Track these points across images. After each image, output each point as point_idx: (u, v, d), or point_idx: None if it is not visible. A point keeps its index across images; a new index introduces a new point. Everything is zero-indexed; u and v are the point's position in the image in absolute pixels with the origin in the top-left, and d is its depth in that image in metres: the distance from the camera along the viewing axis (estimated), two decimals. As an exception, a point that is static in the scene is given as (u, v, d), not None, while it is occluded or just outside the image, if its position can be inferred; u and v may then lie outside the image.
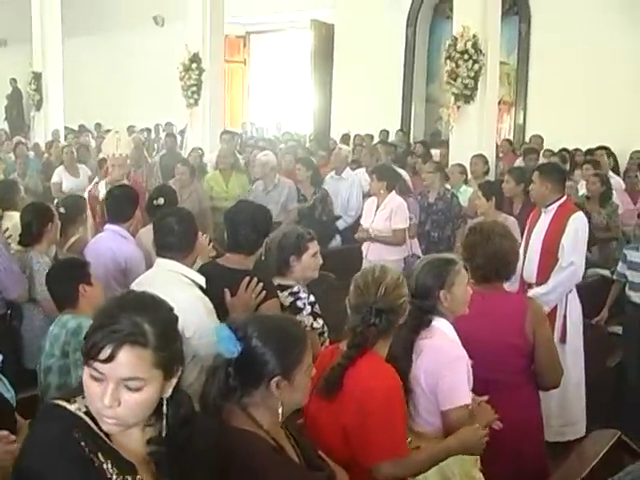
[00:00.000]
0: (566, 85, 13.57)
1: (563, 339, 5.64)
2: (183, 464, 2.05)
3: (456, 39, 9.74)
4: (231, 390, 2.46)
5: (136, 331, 1.90)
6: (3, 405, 3.40)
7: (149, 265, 4.53)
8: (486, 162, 9.29)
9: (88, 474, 1.87)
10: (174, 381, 2.03)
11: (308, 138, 15.75)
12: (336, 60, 16.83)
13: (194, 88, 13.15)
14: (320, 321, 4.28)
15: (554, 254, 5.76)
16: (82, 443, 1.89)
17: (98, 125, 19.75)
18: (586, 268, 6.59)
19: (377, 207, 7.65)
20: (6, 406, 3.43)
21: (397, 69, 16.62)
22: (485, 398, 3.58)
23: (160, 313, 2.00)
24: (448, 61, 9.78)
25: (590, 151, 11.70)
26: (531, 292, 5.63)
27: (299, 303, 4.26)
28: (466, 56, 9.57)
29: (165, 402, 2.02)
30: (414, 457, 3.16)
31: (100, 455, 1.91)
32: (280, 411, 2.47)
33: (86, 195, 7.30)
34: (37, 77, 15.86)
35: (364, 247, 7.69)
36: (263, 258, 4.46)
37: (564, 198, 5.96)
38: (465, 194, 8.74)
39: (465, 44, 9.58)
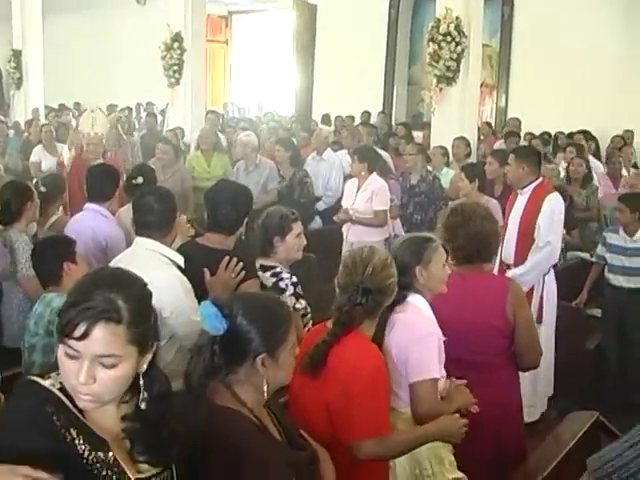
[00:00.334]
0: (548, 68, 13.61)
1: (539, 320, 5.67)
2: (158, 442, 2.04)
3: (439, 21, 9.70)
4: (216, 368, 2.45)
5: (110, 308, 1.89)
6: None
7: (129, 244, 4.51)
8: (468, 144, 9.33)
9: (59, 448, 1.86)
10: (149, 356, 2.02)
11: (290, 119, 15.70)
12: (318, 41, 16.75)
13: (176, 67, 13.09)
14: (303, 302, 4.28)
15: (530, 235, 5.82)
16: (54, 418, 1.88)
17: (77, 104, 19.58)
18: (566, 251, 6.64)
19: (358, 188, 7.64)
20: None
21: (380, 50, 16.60)
22: (464, 382, 3.59)
23: (134, 289, 1.99)
24: (431, 43, 9.74)
25: (571, 134, 11.74)
26: (509, 273, 5.68)
27: (281, 284, 4.25)
28: (449, 38, 9.54)
29: (141, 377, 2.01)
30: (395, 437, 3.17)
31: (72, 431, 1.90)
32: (265, 389, 2.47)
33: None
34: (17, 55, 15.65)
35: (344, 228, 7.68)
36: (243, 238, 4.44)
37: (539, 179, 6.02)
38: (447, 176, 8.73)
39: (448, 26, 9.54)
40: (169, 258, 3.95)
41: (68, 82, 19.83)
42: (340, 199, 8.22)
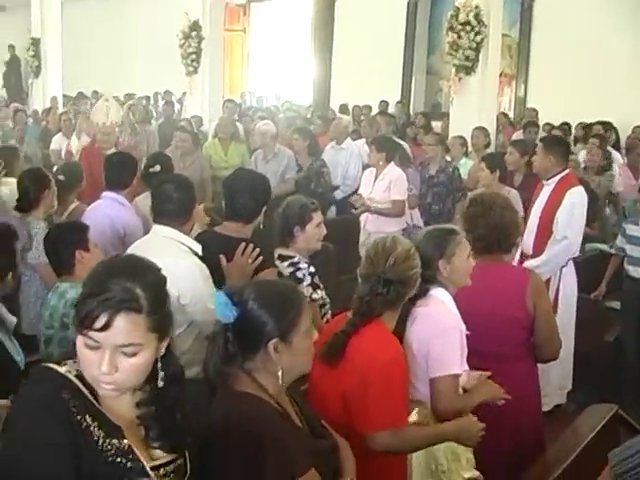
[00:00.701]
0: (568, 59, 13.49)
1: (554, 312, 5.63)
2: (173, 427, 2.05)
3: (458, 10, 9.66)
4: (231, 356, 2.44)
5: (129, 297, 1.88)
6: (12, 367, 3.48)
7: (146, 232, 4.50)
8: (487, 135, 9.24)
9: (74, 435, 1.86)
10: (168, 340, 2.03)
11: (308, 109, 15.67)
12: (337, 30, 16.68)
13: (193, 56, 13.12)
14: (320, 292, 4.26)
15: (549, 227, 5.78)
16: (70, 404, 1.88)
17: (95, 92, 19.61)
18: (585, 243, 6.57)
19: (375, 178, 7.62)
20: (15, 368, 3.50)
21: (398, 39, 16.53)
22: (488, 373, 3.56)
23: (150, 276, 1.98)
24: (450, 32, 9.71)
25: (590, 125, 11.64)
26: (526, 264, 5.63)
27: (299, 274, 4.24)
28: (468, 27, 9.50)
29: (159, 360, 2.02)
30: (410, 431, 3.15)
31: (88, 417, 1.90)
32: (280, 374, 2.45)
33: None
34: (36, 43, 15.72)
35: (362, 218, 7.66)
36: (262, 227, 4.42)
37: (566, 171, 5.94)
38: (465, 166, 8.69)
39: (467, 15, 9.50)
40: (187, 246, 3.94)
41: (86, 71, 19.90)
42: (358, 189, 8.17)
